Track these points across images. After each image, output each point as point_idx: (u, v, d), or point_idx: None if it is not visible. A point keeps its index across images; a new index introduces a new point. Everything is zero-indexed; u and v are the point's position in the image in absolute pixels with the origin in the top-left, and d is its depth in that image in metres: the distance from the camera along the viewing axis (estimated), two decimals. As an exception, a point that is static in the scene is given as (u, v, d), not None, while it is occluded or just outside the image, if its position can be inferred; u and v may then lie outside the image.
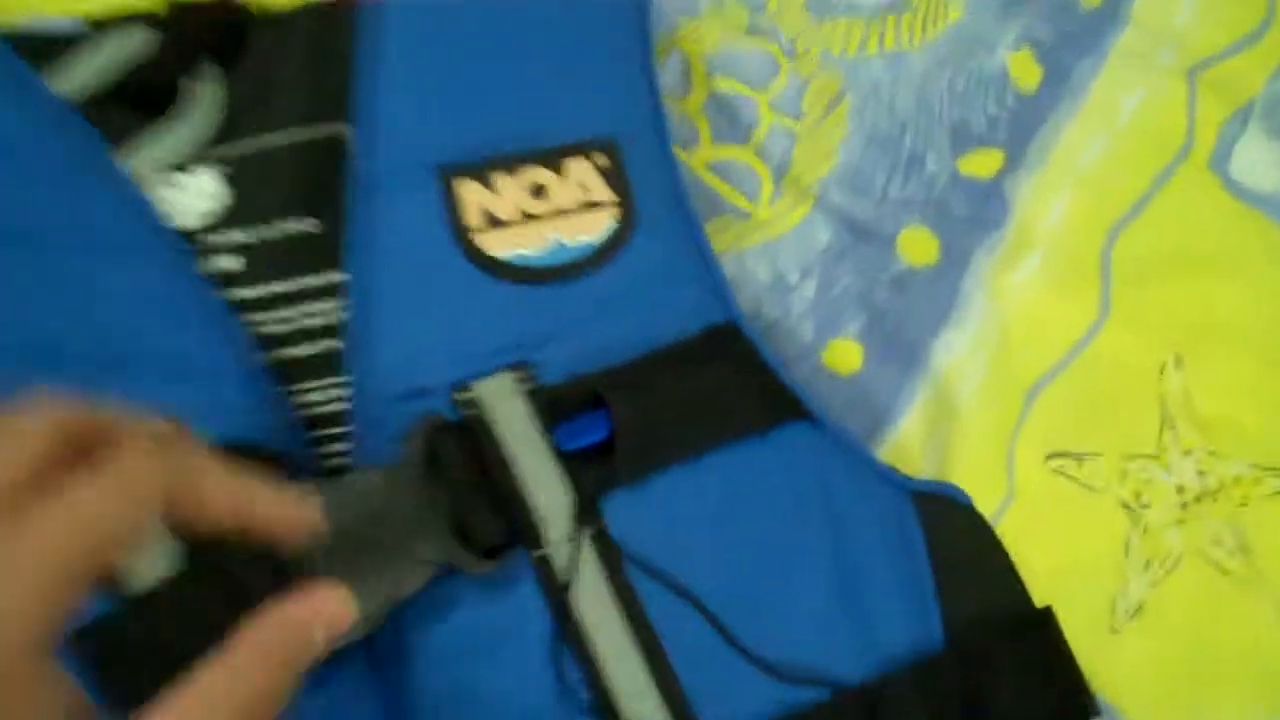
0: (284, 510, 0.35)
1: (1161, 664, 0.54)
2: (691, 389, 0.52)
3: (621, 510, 0.49)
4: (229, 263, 0.57)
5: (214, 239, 0.57)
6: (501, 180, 0.55)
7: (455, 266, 0.53)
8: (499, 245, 0.54)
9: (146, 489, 0.31)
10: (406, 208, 0.54)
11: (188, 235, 0.56)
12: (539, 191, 0.55)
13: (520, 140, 0.56)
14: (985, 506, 0.55)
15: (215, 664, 0.30)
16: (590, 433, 0.50)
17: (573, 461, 0.49)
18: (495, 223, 0.54)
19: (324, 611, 0.33)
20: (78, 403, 0.31)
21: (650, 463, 0.50)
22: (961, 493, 0.54)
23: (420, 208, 0.54)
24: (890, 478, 0.54)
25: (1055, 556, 0.56)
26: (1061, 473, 0.58)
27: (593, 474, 0.49)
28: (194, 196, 0.57)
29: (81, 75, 0.56)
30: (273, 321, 0.56)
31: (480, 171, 0.55)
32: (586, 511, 0.48)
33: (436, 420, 0.49)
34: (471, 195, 0.54)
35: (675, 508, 0.50)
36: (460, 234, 0.53)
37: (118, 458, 0.30)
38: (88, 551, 0.29)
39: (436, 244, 0.54)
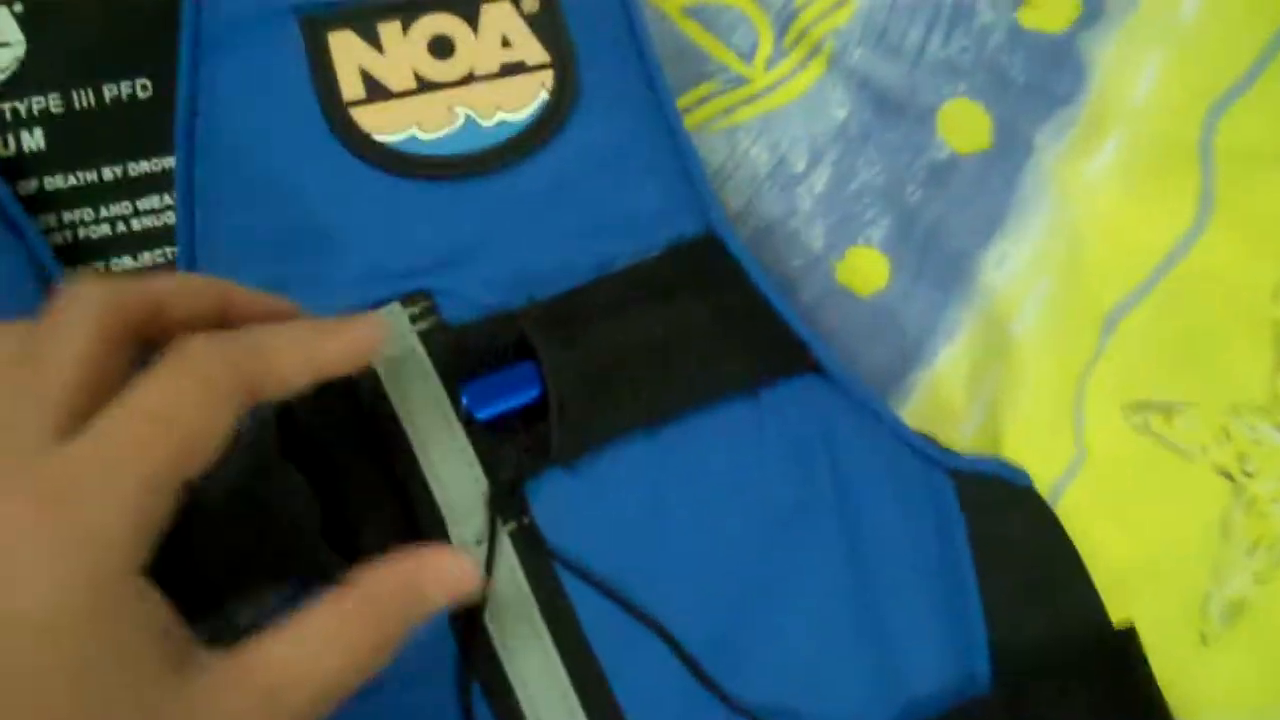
0: (354, 342, 0.37)
1: (1266, 684, 0.51)
2: (653, 330, 0.46)
3: (555, 498, 0.44)
4: (28, 140, 0.48)
5: (9, 106, 0.49)
6: (390, 32, 0.48)
7: (324, 153, 0.46)
8: (385, 124, 0.47)
9: (226, 381, 0.32)
10: (256, 71, 0.47)
11: None
12: (443, 48, 0.48)
13: None
14: (1046, 473, 0.52)
15: (328, 605, 0.33)
16: (513, 392, 0.45)
17: (488, 431, 0.44)
18: (381, 93, 0.47)
19: (445, 575, 0.35)
20: (122, 284, 0.33)
21: (595, 434, 0.45)
22: (1018, 471, 0.50)
23: (276, 71, 0.47)
24: (924, 450, 0.49)
25: (1132, 539, 0.52)
26: (1144, 429, 0.54)
27: (516, 448, 0.44)
28: None
29: None
30: (89, 222, 0.49)
31: (361, 20, 0.48)
32: (506, 500, 0.43)
33: None
34: (348, 53, 0.47)
35: (628, 495, 0.45)
36: (331, 108, 0.47)
37: (186, 349, 0.32)
38: (174, 459, 0.31)
39: (297, 122, 0.47)
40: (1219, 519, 0.53)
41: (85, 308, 0.32)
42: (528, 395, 0.44)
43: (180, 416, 0.31)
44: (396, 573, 0.35)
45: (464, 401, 0.44)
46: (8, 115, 0.48)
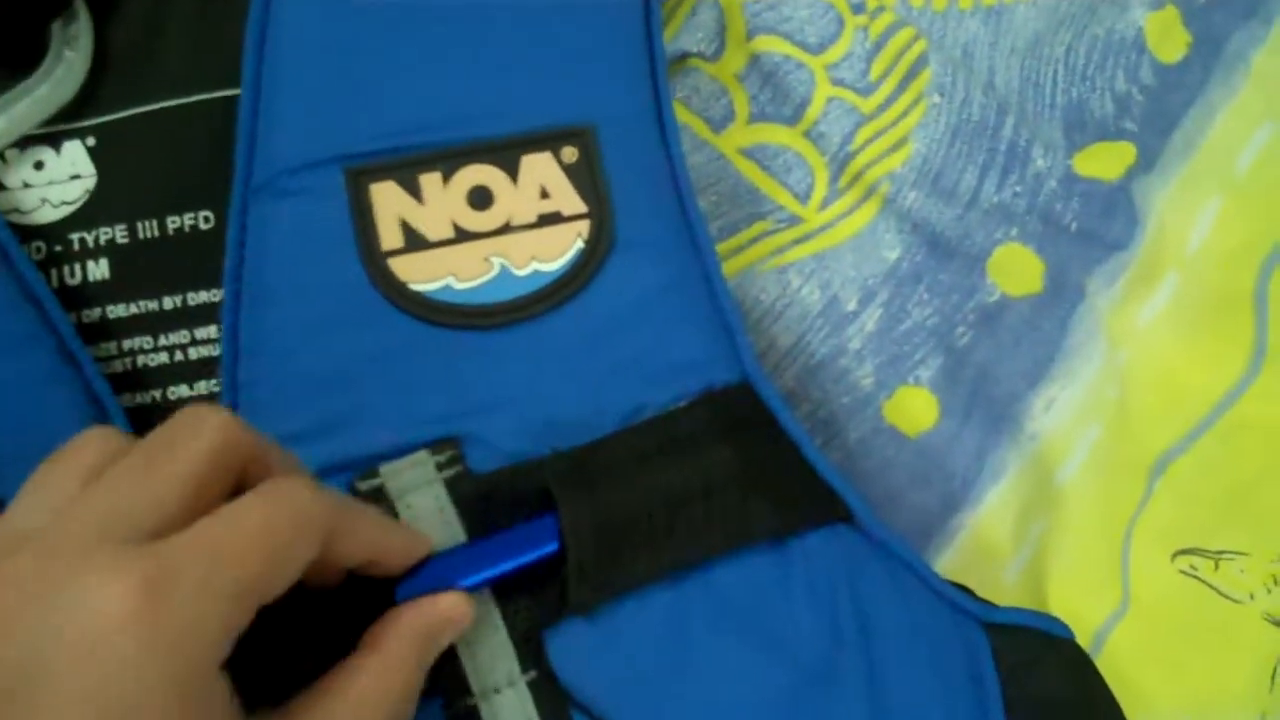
0: (409, 545, 0.40)
1: None
2: (678, 479, 0.45)
3: (573, 647, 0.43)
4: (94, 269, 0.49)
5: (77, 236, 0.49)
6: (431, 183, 0.48)
7: (362, 301, 0.46)
8: (421, 273, 0.47)
9: (316, 520, 0.34)
10: (301, 217, 0.47)
11: (45, 235, 0.49)
12: (482, 199, 0.48)
13: (459, 127, 0.48)
14: (1091, 619, 0.52)
15: (369, 661, 0.36)
16: (533, 544, 0.43)
17: (509, 580, 0.43)
18: (418, 243, 0.47)
19: (452, 615, 0.39)
20: (238, 424, 0.35)
21: (613, 585, 0.44)
22: (1057, 623, 0.47)
23: (320, 219, 0.47)
24: (958, 604, 0.47)
25: (1179, 686, 0.52)
26: (1193, 575, 0.53)
27: (536, 597, 0.43)
28: (58, 180, 0.49)
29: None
30: (148, 350, 0.49)
31: (403, 170, 0.48)
32: (525, 650, 0.43)
33: None
34: (389, 204, 0.47)
35: (649, 645, 0.43)
36: (370, 257, 0.47)
37: (287, 482, 0.35)
38: (264, 574, 0.32)
39: (338, 269, 0.47)
40: (1270, 668, 0.52)
41: (207, 431, 0.34)
42: (548, 547, 0.44)
43: (276, 538, 0.33)
44: (412, 628, 0.38)
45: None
46: (75, 245, 0.49)
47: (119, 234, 0.49)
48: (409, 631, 0.38)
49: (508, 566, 0.43)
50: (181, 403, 0.48)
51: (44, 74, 0.49)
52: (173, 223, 0.49)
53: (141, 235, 0.49)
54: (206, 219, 0.50)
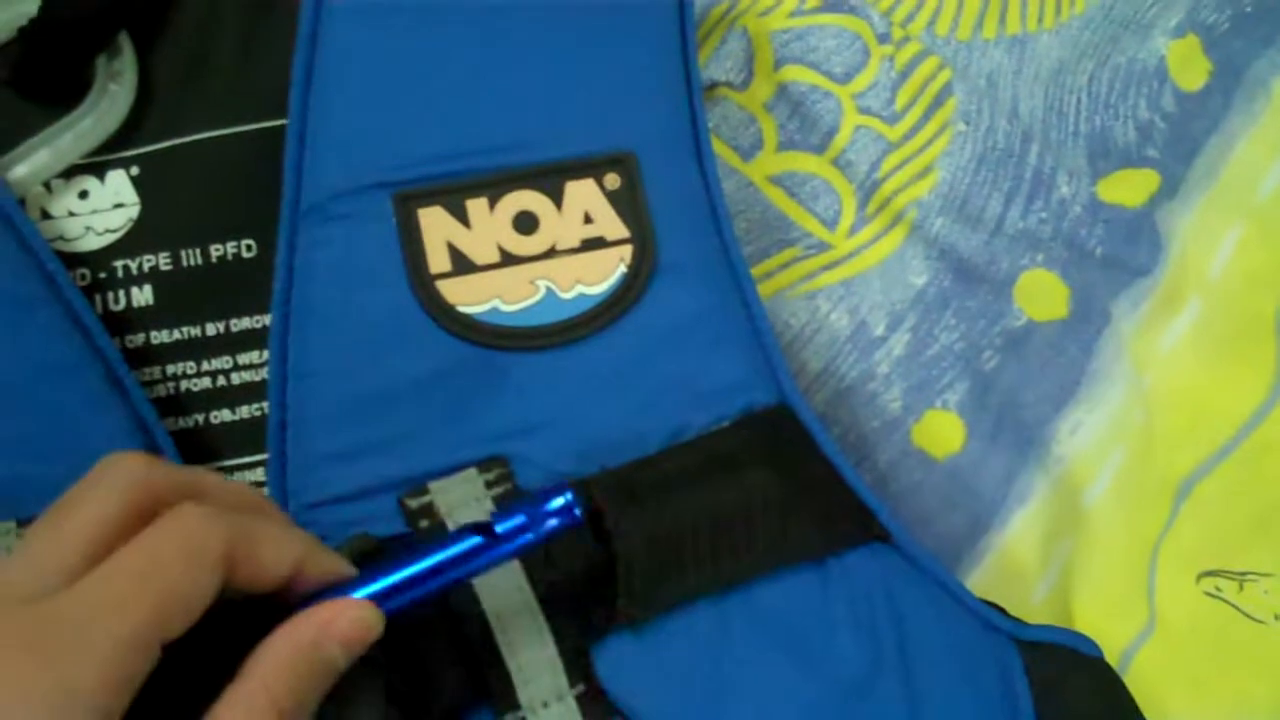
0: (334, 568, 0.37)
1: None
2: (720, 499, 0.45)
3: (621, 661, 0.43)
4: (138, 296, 0.49)
5: (121, 263, 0.50)
6: (478, 208, 0.48)
7: (410, 324, 0.47)
8: (469, 296, 0.47)
9: (211, 549, 0.33)
10: (350, 242, 0.47)
11: (89, 262, 0.49)
12: (527, 224, 0.49)
13: (504, 154, 0.49)
14: (1117, 640, 0.51)
15: (235, 692, 0.33)
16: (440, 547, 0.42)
17: (557, 594, 0.43)
18: (466, 266, 0.48)
19: (339, 628, 0.35)
20: (160, 463, 0.35)
21: (660, 599, 0.44)
22: (1087, 641, 0.47)
23: (368, 243, 0.47)
24: (991, 621, 0.47)
25: (1204, 706, 0.52)
26: (1218, 596, 0.53)
27: (584, 612, 0.43)
28: (102, 209, 0.50)
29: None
30: (191, 375, 0.49)
31: (450, 196, 0.48)
32: (574, 663, 0.43)
33: (366, 543, 0.43)
34: (437, 228, 0.48)
35: (693, 660, 0.44)
36: (418, 280, 0.47)
37: (177, 514, 0.33)
38: (153, 618, 0.31)
39: (387, 293, 0.47)
40: (1294, 691, 0.51)
41: (114, 476, 0.33)
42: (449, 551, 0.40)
43: (161, 576, 0.31)
44: (283, 649, 0.34)
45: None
46: (119, 272, 0.49)
47: (162, 261, 0.49)
48: (276, 654, 0.34)
49: (405, 572, 0.39)
50: (225, 427, 0.49)
51: (89, 107, 0.49)
52: (216, 250, 0.50)
53: (185, 263, 0.50)
54: (249, 247, 0.50)
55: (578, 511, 0.39)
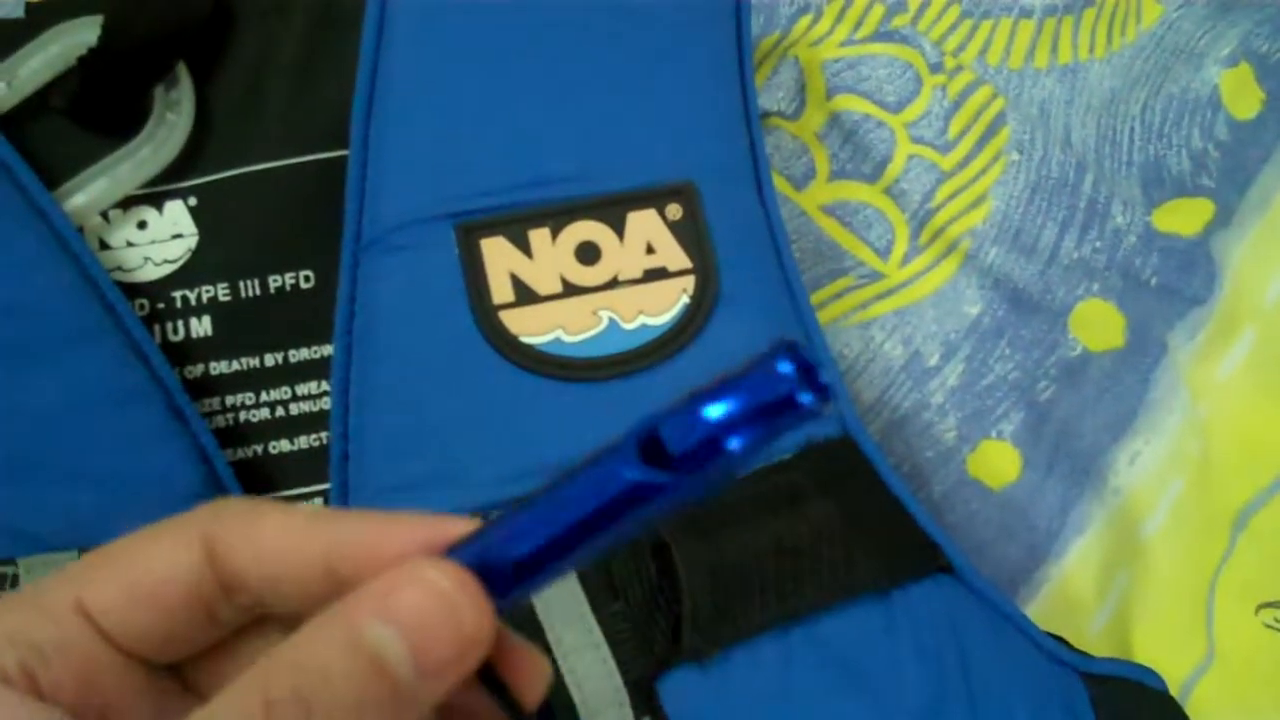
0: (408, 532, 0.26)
1: None
2: (785, 533, 0.45)
3: (686, 694, 0.43)
4: (197, 327, 0.49)
5: (180, 294, 0.50)
6: (540, 239, 0.48)
7: (473, 354, 0.47)
8: (532, 326, 0.47)
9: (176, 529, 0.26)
10: (412, 273, 0.47)
11: (148, 293, 0.50)
12: (589, 254, 0.49)
13: (566, 185, 0.49)
14: (1177, 671, 0.51)
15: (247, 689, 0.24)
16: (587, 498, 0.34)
17: (621, 627, 0.43)
18: (529, 296, 0.48)
19: (403, 607, 0.24)
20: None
21: (727, 632, 0.43)
22: (1152, 674, 0.47)
23: (431, 274, 0.47)
24: (1056, 654, 0.47)
25: None
26: (1276, 628, 0.52)
27: (646, 643, 0.43)
28: (160, 239, 0.50)
29: (20, 83, 0.50)
30: (250, 406, 0.49)
31: (512, 226, 0.48)
32: (637, 696, 0.42)
33: None
34: (500, 259, 0.48)
35: (759, 694, 0.43)
36: (481, 311, 0.47)
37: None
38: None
39: (449, 323, 0.47)
40: (1353, 720, 0.51)
41: None
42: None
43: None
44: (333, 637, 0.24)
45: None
46: (178, 303, 0.49)
47: (221, 292, 0.49)
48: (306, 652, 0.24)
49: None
50: (284, 457, 0.49)
51: (146, 137, 0.49)
52: (274, 281, 0.50)
53: (243, 294, 0.50)
54: (307, 278, 0.50)
55: (804, 398, 0.22)
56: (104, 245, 0.49)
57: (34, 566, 0.42)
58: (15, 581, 0.42)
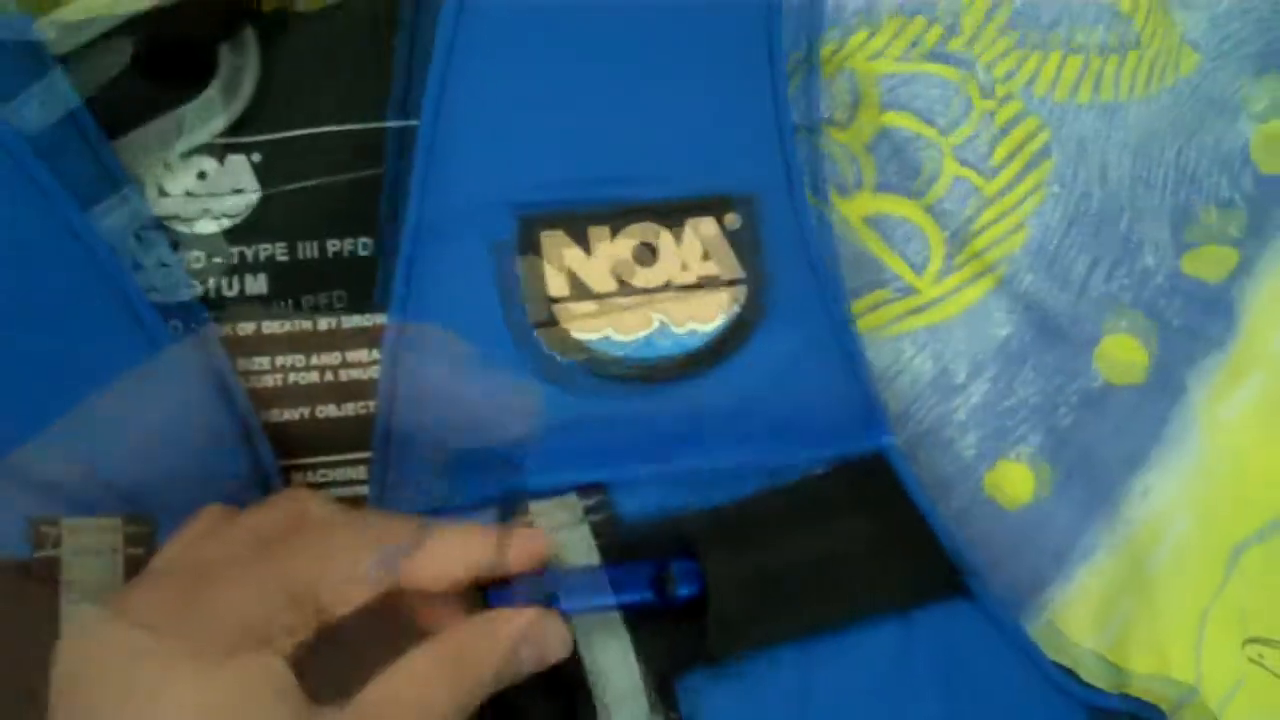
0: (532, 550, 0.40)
1: None
2: (812, 547, 0.46)
3: (704, 696, 0.44)
4: (252, 283, 0.49)
5: (237, 250, 0.49)
6: (599, 235, 0.49)
7: (524, 343, 0.47)
8: (584, 323, 0.48)
9: (347, 548, 0.37)
10: (471, 257, 0.48)
11: (207, 245, 0.49)
12: (646, 255, 0.49)
13: (632, 185, 0.49)
14: (1164, 702, 0.51)
15: (425, 650, 0.36)
16: (640, 587, 0.44)
17: (643, 624, 0.44)
18: (583, 292, 0.48)
19: (534, 634, 0.38)
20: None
21: (749, 639, 0.44)
22: (1155, 710, 0.49)
23: (489, 260, 0.48)
24: (1065, 687, 0.48)
25: None
26: (1259, 664, 0.53)
27: (668, 642, 0.44)
28: (221, 192, 0.49)
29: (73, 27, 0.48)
30: (300, 368, 0.49)
31: (573, 221, 0.48)
32: (657, 693, 0.43)
33: None
34: (558, 252, 0.48)
35: (775, 703, 0.44)
36: (536, 301, 0.47)
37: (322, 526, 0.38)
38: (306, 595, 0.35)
39: (504, 311, 0.48)
40: (1330, 758, 0.51)
41: (276, 506, 0.41)
42: (690, 590, 0.44)
43: (320, 564, 0.38)
44: (484, 632, 0.37)
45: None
46: (236, 258, 0.49)
47: (279, 251, 0.49)
48: (483, 638, 0.38)
49: (609, 601, 0.43)
50: (329, 423, 0.48)
51: (214, 89, 0.49)
52: (333, 246, 0.49)
53: (301, 255, 0.49)
54: (365, 245, 0.49)
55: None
56: (162, 192, 0.48)
57: (77, 530, 0.42)
58: (58, 541, 0.41)
